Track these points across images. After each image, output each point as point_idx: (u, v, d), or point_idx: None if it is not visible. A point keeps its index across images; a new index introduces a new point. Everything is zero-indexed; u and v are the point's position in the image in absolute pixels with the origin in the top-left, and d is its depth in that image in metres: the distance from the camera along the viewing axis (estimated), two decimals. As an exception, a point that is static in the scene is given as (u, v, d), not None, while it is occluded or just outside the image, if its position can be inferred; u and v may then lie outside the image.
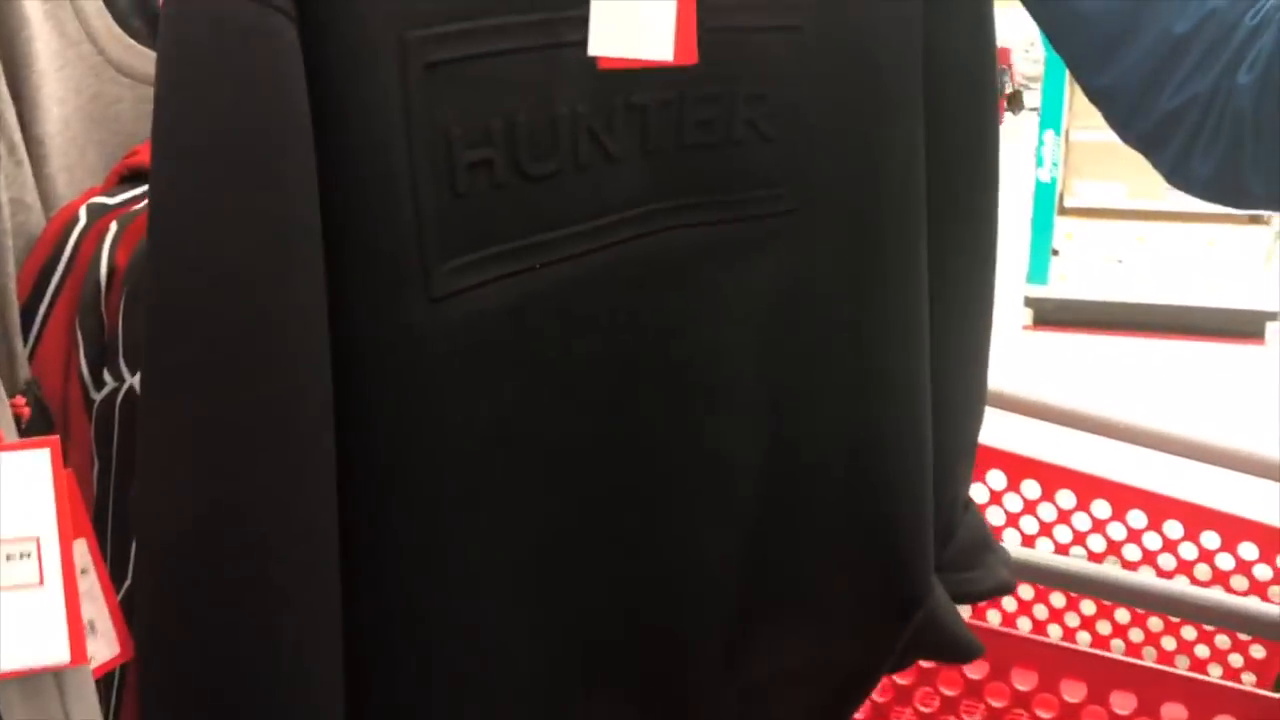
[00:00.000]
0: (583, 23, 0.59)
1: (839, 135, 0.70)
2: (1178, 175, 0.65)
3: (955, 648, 0.88)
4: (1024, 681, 1.09)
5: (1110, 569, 1.22)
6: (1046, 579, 1.09)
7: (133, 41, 0.76)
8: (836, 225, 0.72)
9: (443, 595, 0.63)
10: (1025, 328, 3.35)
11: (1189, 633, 1.34)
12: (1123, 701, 1.06)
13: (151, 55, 0.77)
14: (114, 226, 0.66)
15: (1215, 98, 0.61)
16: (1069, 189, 3.64)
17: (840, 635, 0.82)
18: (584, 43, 0.59)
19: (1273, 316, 3.25)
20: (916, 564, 0.82)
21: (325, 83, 0.54)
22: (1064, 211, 3.58)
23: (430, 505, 0.61)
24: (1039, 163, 3.35)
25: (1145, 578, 1.21)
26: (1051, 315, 3.37)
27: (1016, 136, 3.51)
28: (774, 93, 0.67)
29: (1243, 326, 3.27)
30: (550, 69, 0.60)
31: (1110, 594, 1.08)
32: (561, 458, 0.65)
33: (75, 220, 0.67)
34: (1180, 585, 1.17)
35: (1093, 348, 3.20)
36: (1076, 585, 1.12)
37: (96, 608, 0.52)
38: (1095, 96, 0.65)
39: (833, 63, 0.69)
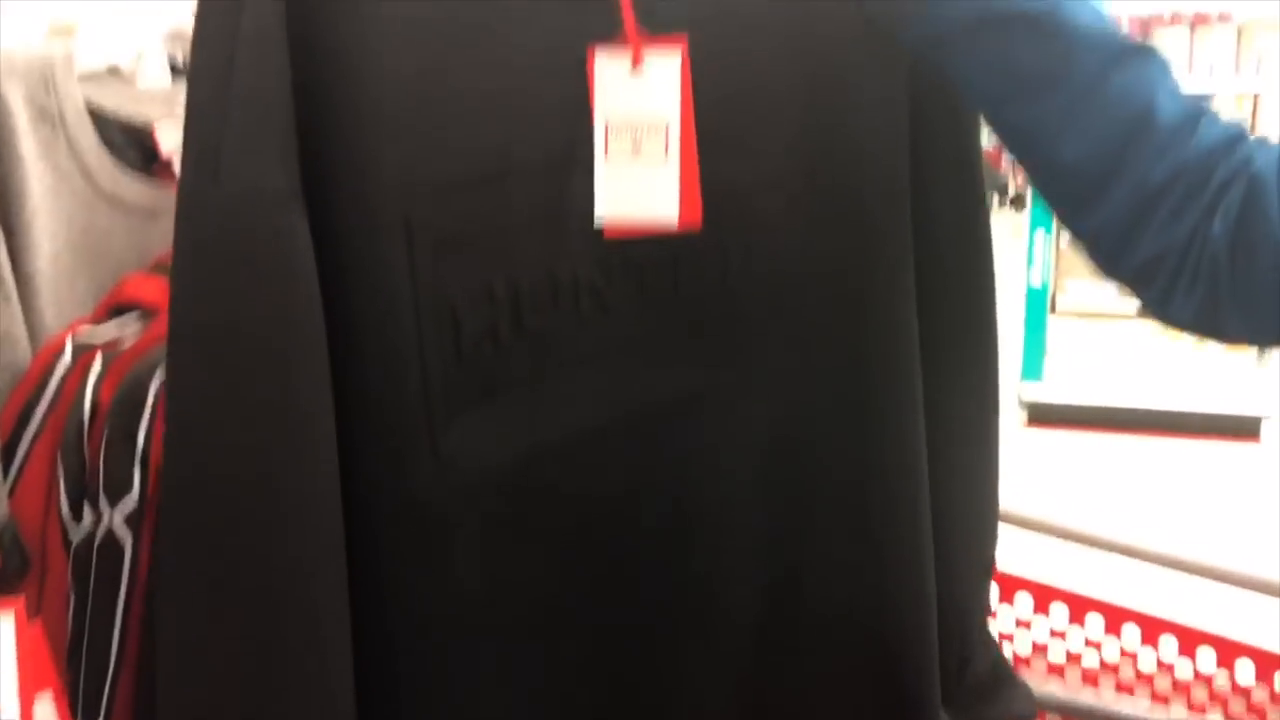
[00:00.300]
0: (579, 191, 0.61)
1: (827, 276, 0.71)
2: (1162, 313, 0.66)
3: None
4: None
5: (1108, 701, 1.20)
6: (1045, 705, 1.07)
7: (125, 172, 0.77)
8: (828, 363, 0.73)
9: None
10: (1022, 425, 3.34)
11: (1188, 756, 1.31)
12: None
13: (144, 186, 0.78)
14: (98, 363, 0.66)
15: (1192, 245, 0.62)
16: (1061, 288, 3.65)
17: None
18: (584, 207, 0.61)
19: (1267, 418, 3.24)
20: (922, 701, 0.81)
21: (333, 260, 0.55)
22: (1056, 311, 3.59)
23: (438, 656, 0.62)
24: (1030, 263, 3.37)
25: (1143, 708, 1.19)
26: (1045, 415, 3.36)
27: (1019, 233, 3.51)
28: (763, 243, 0.68)
29: (1236, 427, 3.26)
30: (551, 234, 0.61)
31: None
32: (565, 600, 0.66)
33: (60, 355, 0.67)
34: (1178, 714, 1.15)
35: (1088, 446, 3.19)
36: (1075, 713, 1.10)
37: (62, 765, 0.51)
38: (1082, 242, 0.67)
39: (820, 210, 0.70)
